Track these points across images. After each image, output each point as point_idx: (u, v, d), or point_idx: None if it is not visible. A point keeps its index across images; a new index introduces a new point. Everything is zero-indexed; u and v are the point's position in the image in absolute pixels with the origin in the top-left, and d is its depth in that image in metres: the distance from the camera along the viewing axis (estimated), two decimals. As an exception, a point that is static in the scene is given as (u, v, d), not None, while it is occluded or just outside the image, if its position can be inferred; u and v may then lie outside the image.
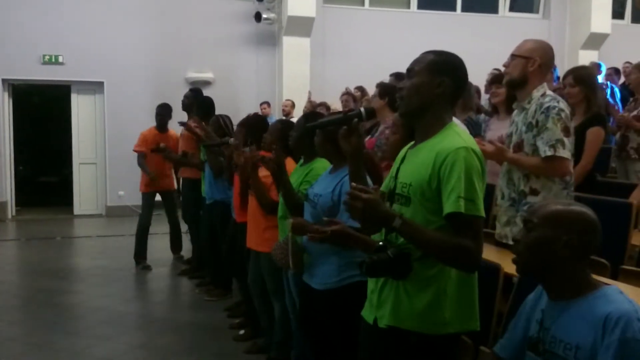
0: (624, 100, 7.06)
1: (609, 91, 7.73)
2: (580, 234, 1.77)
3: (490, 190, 4.27)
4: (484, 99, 7.64)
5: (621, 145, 5.25)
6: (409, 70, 2.20)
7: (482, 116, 6.41)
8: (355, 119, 2.29)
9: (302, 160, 3.65)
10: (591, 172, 4.23)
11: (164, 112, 7.11)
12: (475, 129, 4.69)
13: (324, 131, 2.97)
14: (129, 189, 10.87)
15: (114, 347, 4.59)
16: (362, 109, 2.32)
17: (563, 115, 3.08)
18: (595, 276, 2.70)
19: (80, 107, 10.99)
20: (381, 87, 4.67)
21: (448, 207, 1.98)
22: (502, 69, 7.13)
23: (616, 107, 7.27)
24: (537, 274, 1.87)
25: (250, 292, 4.41)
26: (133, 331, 4.96)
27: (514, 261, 1.89)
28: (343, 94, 7.72)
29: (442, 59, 2.17)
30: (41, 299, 5.89)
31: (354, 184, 2.08)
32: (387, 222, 1.99)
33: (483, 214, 2.02)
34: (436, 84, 2.12)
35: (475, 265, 2.04)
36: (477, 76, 5.45)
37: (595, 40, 12.60)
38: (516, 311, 2.56)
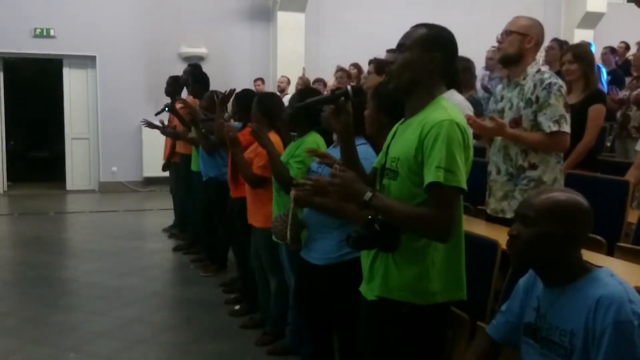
0: (617, 81, 7.03)
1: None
2: (579, 225, 1.78)
3: (481, 166, 4.27)
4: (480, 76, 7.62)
5: (622, 123, 5.24)
6: (400, 45, 2.19)
7: (483, 94, 6.39)
8: (342, 98, 2.30)
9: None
10: (592, 150, 4.24)
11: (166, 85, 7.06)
12: (478, 109, 4.68)
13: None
14: (122, 164, 10.86)
15: (108, 322, 4.59)
16: (349, 88, 2.32)
17: (563, 91, 3.15)
18: (592, 253, 2.74)
19: (72, 81, 10.88)
20: (377, 63, 4.64)
21: (427, 178, 2.00)
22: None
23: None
24: (534, 266, 1.87)
25: (254, 266, 4.41)
26: (128, 306, 4.95)
27: (511, 255, 1.88)
28: (337, 71, 7.66)
29: (433, 33, 2.16)
30: (35, 274, 5.87)
31: (336, 165, 2.15)
32: (359, 196, 2.04)
33: (464, 185, 2.01)
34: (427, 60, 2.12)
35: (442, 234, 2.03)
36: (474, 53, 5.43)
37: (591, 19, 12.57)
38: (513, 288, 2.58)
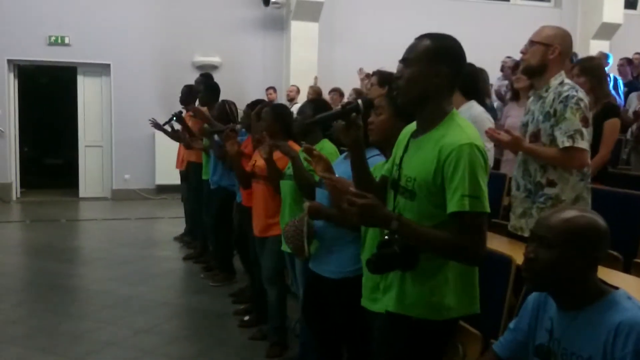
0: (634, 92, 6.94)
1: (611, 83, 7.63)
2: (598, 248, 1.73)
3: (502, 180, 4.20)
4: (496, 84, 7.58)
5: (638, 137, 5.17)
6: (404, 59, 2.14)
7: (497, 104, 6.34)
8: (354, 113, 2.24)
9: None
10: (605, 164, 4.17)
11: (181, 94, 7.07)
12: (491, 114, 4.61)
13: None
14: (135, 172, 10.88)
15: (117, 331, 4.57)
16: (359, 101, 2.26)
17: (582, 104, 2.98)
18: (607, 269, 2.67)
19: (87, 89, 10.93)
20: (380, 75, 4.58)
21: (452, 206, 1.98)
22: (515, 56, 7.09)
23: (617, 100, 7.19)
24: (550, 289, 1.81)
25: (262, 278, 4.38)
26: (137, 315, 4.92)
27: (526, 278, 1.82)
28: (363, 78, 7.64)
29: (438, 45, 2.10)
30: (45, 282, 5.87)
31: (352, 189, 2.08)
32: (384, 225, 2.00)
33: (488, 209, 2.01)
34: (434, 74, 2.07)
35: (476, 261, 2.06)
36: (488, 64, 5.37)
37: (607, 30, 12.45)
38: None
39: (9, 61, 10.35)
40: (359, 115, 2.25)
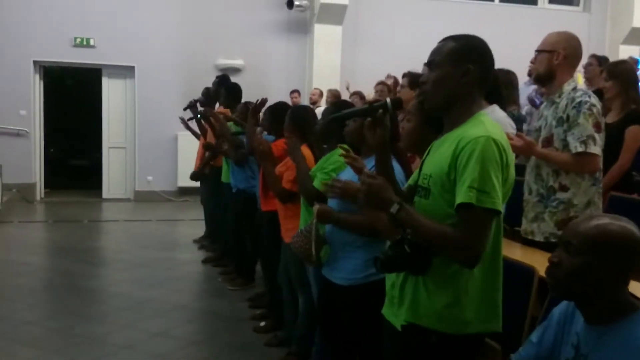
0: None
1: None
2: (627, 259, 1.61)
3: (518, 185, 4.10)
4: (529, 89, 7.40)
5: None
6: (429, 62, 2.07)
7: (528, 108, 6.19)
8: (381, 110, 2.16)
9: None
10: (628, 172, 4.06)
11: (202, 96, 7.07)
12: (517, 125, 4.50)
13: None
14: (157, 174, 10.91)
15: (132, 334, 4.53)
16: (387, 100, 2.18)
17: (595, 110, 3.02)
18: (633, 282, 2.55)
19: (111, 91, 10.99)
20: (410, 77, 4.50)
21: (459, 198, 1.86)
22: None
23: None
24: (575, 299, 1.71)
25: (279, 282, 4.31)
26: (153, 318, 4.89)
27: (549, 283, 1.73)
28: (378, 84, 7.53)
29: (463, 44, 2.03)
30: (63, 283, 5.88)
31: (366, 170, 2.06)
32: (386, 208, 1.94)
33: (499, 207, 1.86)
34: (461, 73, 1.99)
35: (469, 259, 1.88)
36: (515, 69, 5.25)
37: (637, 35, 12.19)
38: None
39: (34, 62, 10.44)
40: (386, 114, 2.17)
